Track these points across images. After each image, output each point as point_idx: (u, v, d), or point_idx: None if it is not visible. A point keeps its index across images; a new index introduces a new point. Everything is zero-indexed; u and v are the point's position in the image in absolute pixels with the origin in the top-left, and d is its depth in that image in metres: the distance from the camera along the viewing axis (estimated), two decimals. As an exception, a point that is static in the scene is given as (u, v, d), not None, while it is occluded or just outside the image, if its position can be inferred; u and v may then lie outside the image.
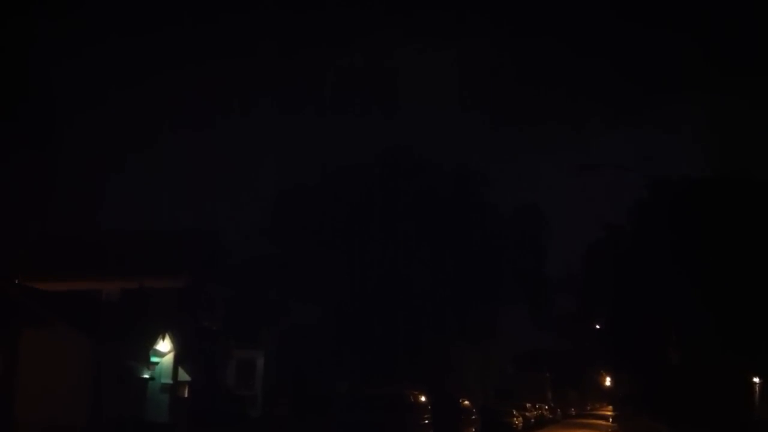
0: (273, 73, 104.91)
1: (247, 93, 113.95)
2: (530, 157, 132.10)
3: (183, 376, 36.15)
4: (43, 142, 47.30)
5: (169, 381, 34.45)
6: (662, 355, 47.85)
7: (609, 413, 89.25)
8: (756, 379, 41.07)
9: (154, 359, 33.02)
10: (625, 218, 54.46)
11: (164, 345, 33.67)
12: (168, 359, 34.25)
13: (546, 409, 74.78)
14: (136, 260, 41.61)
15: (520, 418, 55.33)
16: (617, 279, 52.55)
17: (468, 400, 43.25)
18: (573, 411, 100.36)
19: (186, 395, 36.85)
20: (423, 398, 34.56)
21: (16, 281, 32.70)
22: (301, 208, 55.95)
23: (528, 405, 63.28)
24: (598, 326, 65.02)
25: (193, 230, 46.36)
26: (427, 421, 33.75)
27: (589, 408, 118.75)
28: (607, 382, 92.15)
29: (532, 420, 62.46)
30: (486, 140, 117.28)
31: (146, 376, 32.56)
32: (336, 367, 51.08)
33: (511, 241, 62.45)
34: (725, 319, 42.10)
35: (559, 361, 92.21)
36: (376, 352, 53.25)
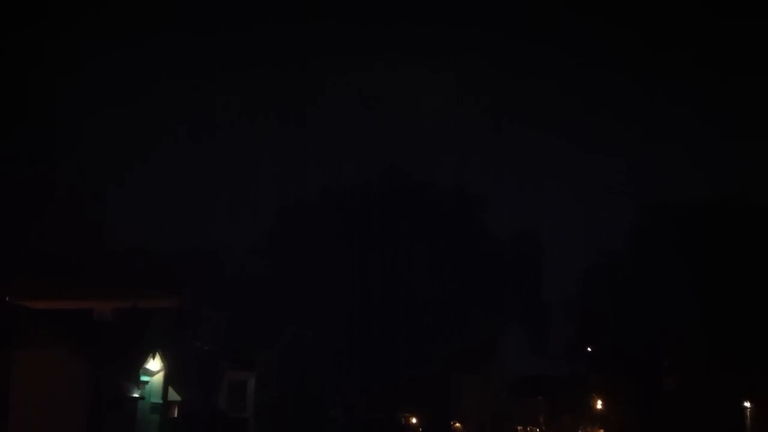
0: (273, 93, 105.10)
1: (247, 112, 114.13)
2: (528, 181, 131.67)
3: (173, 395, 35.84)
4: (38, 160, 47.23)
5: (159, 401, 34.15)
6: (658, 380, 47.72)
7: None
8: (747, 404, 41.02)
9: (143, 378, 32.74)
10: (622, 243, 54.48)
11: (154, 364, 33.42)
12: (158, 378, 33.96)
13: (537, 433, 74.91)
14: (130, 279, 41.36)
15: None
16: (614, 304, 52.46)
17: (460, 423, 43.18)
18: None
19: (176, 415, 36.54)
20: (415, 420, 34.49)
21: (6, 299, 32.42)
22: (299, 230, 55.86)
23: (519, 428, 63.31)
24: (594, 351, 64.77)
25: (189, 251, 46.20)
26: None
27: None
28: (601, 406, 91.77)
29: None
30: (484, 163, 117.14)
31: (136, 395, 32.26)
32: (333, 390, 50.81)
33: (509, 266, 62.30)
34: (721, 343, 42.09)
35: (554, 386, 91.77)
36: (374, 374, 53.01)
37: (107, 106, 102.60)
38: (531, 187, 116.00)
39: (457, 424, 41.70)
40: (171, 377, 34.92)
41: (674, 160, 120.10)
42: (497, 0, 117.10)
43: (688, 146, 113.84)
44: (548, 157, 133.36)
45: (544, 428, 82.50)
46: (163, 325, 37.85)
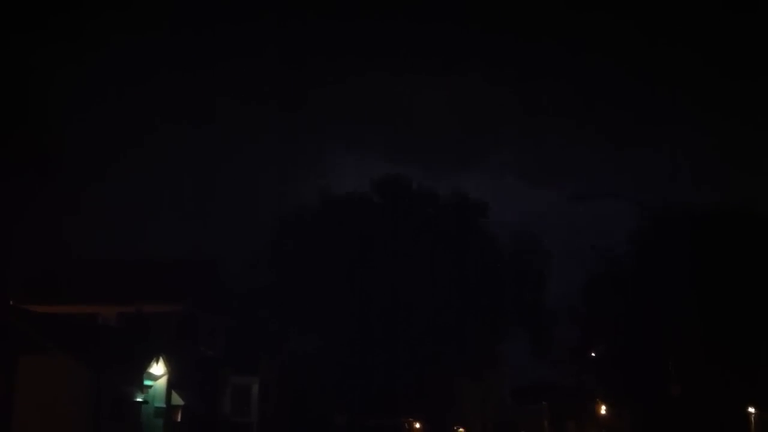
0: (274, 103, 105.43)
1: (247, 123, 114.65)
2: (530, 187, 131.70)
3: (176, 399, 35.87)
4: (43, 168, 47.30)
5: (163, 405, 34.17)
6: (663, 387, 47.59)
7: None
8: (751, 410, 40.91)
9: (147, 382, 32.78)
10: (625, 249, 54.32)
11: (158, 368, 33.46)
12: (161, 382, 34.00)
13: (542, 440, 74.88)
14: (134, 286, 41.54)
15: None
16: (617, 310, 52.31)
17: (464, 429, 43.12)
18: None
19: (179, 419, 36.56)
20: (419, 426, 34.45)
21: (11, 303, 32.53)
22: (301, 238, 55.77)
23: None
24: (598, 357, 64.62)
25: (192, 260, 46.25)
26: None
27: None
28: (605, 412, 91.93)
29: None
30: (485, 169, 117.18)
31: (140, 399, 32.30)
32: (335, 398, 50.76)
33: (512, 273, 62.08)
34: (725, 350, 42.03)
35: (558, 392, 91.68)
36: (376, 383, 52.90)
37: (112, 117, 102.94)
38: (533, 191, 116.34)
39: (461, 430, 41.62)
40: (175, 382, 34.95)
41: (678, 166, 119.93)
42: (496, 2, 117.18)
43: (692, 151, 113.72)
44: (550, 160, 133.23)
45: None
46: (166, 330, 37.98)
